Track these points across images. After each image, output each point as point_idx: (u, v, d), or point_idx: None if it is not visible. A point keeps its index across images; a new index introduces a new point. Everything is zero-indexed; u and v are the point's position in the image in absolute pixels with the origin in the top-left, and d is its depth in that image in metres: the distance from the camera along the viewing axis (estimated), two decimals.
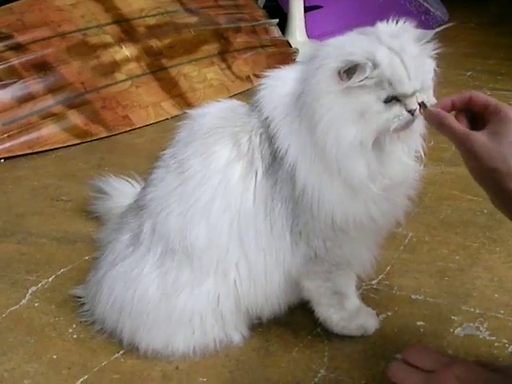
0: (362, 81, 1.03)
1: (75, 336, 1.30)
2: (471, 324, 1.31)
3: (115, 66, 2.57)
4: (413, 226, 1.66)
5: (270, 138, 1.15)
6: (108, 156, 2.23)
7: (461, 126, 0.97)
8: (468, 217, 1.74)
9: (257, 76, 2.81)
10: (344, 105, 1.05)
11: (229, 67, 2.93)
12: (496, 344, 1.25)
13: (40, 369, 1.22)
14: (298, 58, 1.05)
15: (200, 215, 1.16)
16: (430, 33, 1.10)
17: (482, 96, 1.00)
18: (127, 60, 2.62)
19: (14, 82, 2.29)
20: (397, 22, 1.11)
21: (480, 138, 0.93)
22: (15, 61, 2.32)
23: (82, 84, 2.45)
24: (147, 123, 2.54)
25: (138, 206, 1.27)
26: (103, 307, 1.26)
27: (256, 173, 1.16)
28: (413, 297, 1.40)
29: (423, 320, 1.32)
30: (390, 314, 1.35)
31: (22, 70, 2.32)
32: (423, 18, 4.14)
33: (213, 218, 1.16)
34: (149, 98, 2.60)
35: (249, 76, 2.96)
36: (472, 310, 1.35)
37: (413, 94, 1.06)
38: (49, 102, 2.34)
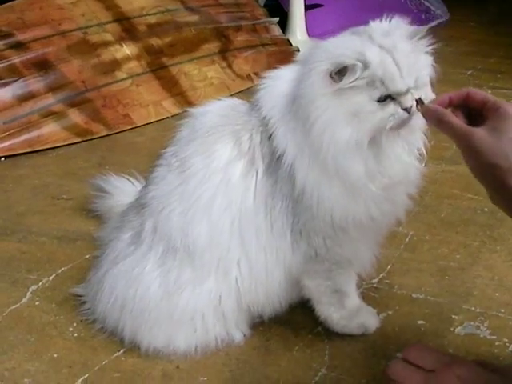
0: (353, 82, 1.04)
1: (76, 335, 1.30)
2: (472, 323, 1.31)
3: (116, 64, 2.57)
4: (413, 225, 1.65)
5: (269, 137, 1.15)
6: (109, 154, 2.23)
7: (461, 123, 0.96)
8: (469, 216, 1.74)
9: (257, 75, 2.82)
10: (338, 106, 1.05)
11: (229, 66, 2.93)
12: (496, 343, 1.25)
13: (40, 368, 1.22)
14: (296, 57, 1.05)
15: (201, 214, 1.16)
16: (423, 29, 1.10)
17: (480, 92, 0.99)
18: (128, 58, 2.61)
19: (15, 81, 2.29)
20: (390, 20, 1.11)
21: (481, 134, 0.93)
22: (16, 59, 2.31)
23: (83, 82, 2.45)
24: (148, 122, 2.54)
25: (139, 205, 1.27)
26: (104, 306, 1.26)
27: (257, 171, 1.16)
28: (413, 296, 1.40)
29: (424, 319, 1.32)
30: (390, 312, 1.35)
31: (23, 68, 2.32)
32: (423, 16, 4.14)
33: (214, 217, 1.16)
34: (149, 97, 2.60)
35: (249, 75, 2.96)
36: (473, 308, 1.35)
37: (407, 92, 1.06)
38: (49, 101, 2.34)
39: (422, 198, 1.75)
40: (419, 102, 1.05)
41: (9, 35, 2.34)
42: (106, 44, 2.58)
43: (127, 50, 2.63)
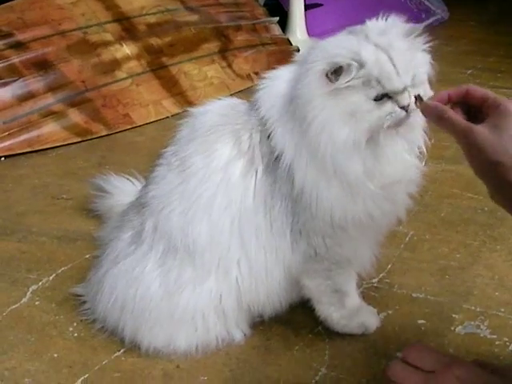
0: (348, 81, 1.04)
1: (76, 334, 1.30)
2: (472, 322, 1.31)
3: (116, 64, 2.57)
4: (413, 225, 1.65)
5: (268, 137, 1.15)
6: (108, 154, 2.23)
7: (461, 120, 0.96)
8: (469, 215, 1.74)
9: (257, 74, 2.82)
10: (334, 106, 1.06)
11: (229, 65, 2.93)
12: (497, 342, 1.25)
13: (41, 367, 1.22)
14: (295, 57, 1.05)
15: (201, 213, 1.17)
16: (419, 26, 1.10)
17: (480, 89, 0.99)
18: (128, 58, 2.61)
19: (15, 81, 2.29)
20: (386, 19, 1.11)
21: (482, 131, 0.93)
22: (16, 59, 2.31)
23: (83, 82, 2.45)
24: (148, 121, 2.54)
25: (139, 204, 1.27)
26: (104, 305, 1.26)
27: (256, 171, 1.16)
28: (413, 295, 1.40)
29: (424, 318, 1.32)
30: (390, 312, 1.35)
31: (23, 68, 2.32)
32: (424, 15, 4.14)
33: (214, 216, 1.16)
34: (149, 96, 2.60)
35: (249, 74, 2.96)
36: (473, 308, 1.35)
37: (404, 90, 1.06)
38: (49, 101, 2.34)
39: (422, 197, 1.75)
40: (418, 98, 1.05)
41: (9, 35, 2.34)
42: (105, 44, 2.58)
43: (127, 49, 2.63)
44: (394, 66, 1.04)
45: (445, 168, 2.02)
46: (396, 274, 1.48)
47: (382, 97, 1.05)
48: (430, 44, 1.12)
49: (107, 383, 1.18)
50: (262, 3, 3.47)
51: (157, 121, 2.55)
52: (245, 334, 1.27)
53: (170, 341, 1.22)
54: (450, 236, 1.64)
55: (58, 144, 2.29)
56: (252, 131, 1.17)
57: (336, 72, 1.03)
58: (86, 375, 1.20)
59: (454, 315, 1.33)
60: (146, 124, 2.53)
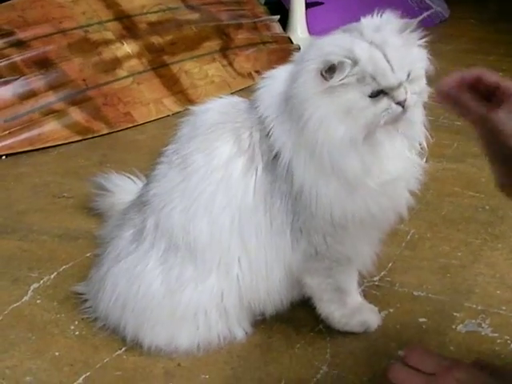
0: (343, 79, 1.04)
1: (77, 333, 1.30)
2: (473, 320, 1.31)
3: (117, 62, 2.57)
4: (415, 223, 1.65)
5: (267, 135, 1.15)
6: (109, 153, 2.23)
7: (478, 104, 0.94)
8: (470, 213, 1.74)
9: (258, 72, 2.81)
10: (330, 104, 1.06)
11: (230, 64, 2.93)
12: (498, 341, 1.25)
13: (42, 366, 1.22)
14: (294, 56, 1.05)
15: (203, 211, 1.17)
16: (414, 22, 1.09)
17: (493, 75, 0.96)
18: (129, 57, 2.61)
19: (16, 79, 2.29)
20: (381, 15, 1.11)
21: (501, 116, 0.91)
22: (17, 57, 2.31)
23: (84, 81, 2.45)
24: (149, 120, 2.54)
25: (140, 202, 1.27)
26: (106, 304, 1.26)
27: (256, 169, 1.16)
28: (415, 293, 1.40)
29: (425, 316, 1.32)
30: (391, 310, 1.35)
31: (24, 66, 2.32)
32: (425, 14, 4.13)
33: (215, 214, 1.16)
34: (150, 95, 2.60)
35: (250, 73, 2.96)
36: (474, 306, 1.35)
37: (399, 86, 1.06)
38: (50, 99, 2.34)
39: (423, 195, 1.74)
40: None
41: (10, 33, 2.34)
42: (106, 42, 2.58)
43: (128, 48, 2.63)
44: (389, 62, 1.04)
45: (446, 166, 2.02)
46: (397, 272, 1.48)
47: (378, 93, 1.05)
48: (426, 39, 1.12)
49: (108, 381, 1.18)
50: (263, 1, 3.47)
51: (158, 119, 2.55)
52: (246, 332, 1.27)
53: (172, 339, 1.22)
54: (451, 234, 1.64)
55: (59, 142, 2.29)
56: (252, 129, 1.17)
57: (330, 70, 1.04)
58: (88, 373, 1.20)
59: (455, 313, 1.33)
60: (147, 122, 2.53)
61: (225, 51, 2.95)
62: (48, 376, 1.19)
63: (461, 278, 1.45)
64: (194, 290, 1.19)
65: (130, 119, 2.49)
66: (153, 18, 2.77)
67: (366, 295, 1.35)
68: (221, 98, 1.26)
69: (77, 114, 2.37)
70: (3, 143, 2.19)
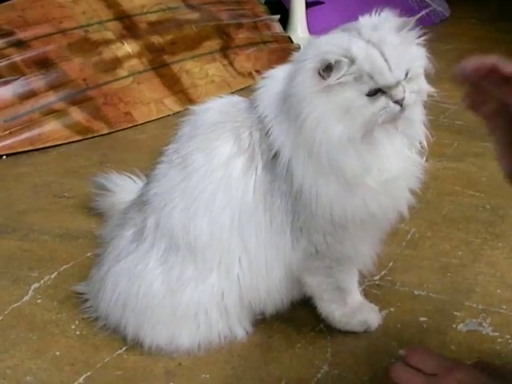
0: (340, 78, 1.04)
1: (78, 332, 1.30)
2: (474, 320, 1.31)
3: (117, 62, 2.57)
4: (415, 222, 1.65)
5: (266, 134, 1.15)
6: (110, 152, 2.23)
7: (500, 91, 0.90)
8: (470, 212, 1.74)
9: (258, 72, 2.81)
10: (328, 102, 1.06)
11: (230, 63, 2.93)
12: (499, 340, 1.25)
13: (43, 365, 1.22)
14: (293, 56, 1.05)
15: (203, 210, 1.17)
16: (412, 20, 1.09)
17: (508, 65, 0.94)
18: (129, 56, 2.61)
19: (16, 79, 2.29)
20: (379, 14, 1.11)
21: None
22: (17, 57, 2.31)
23: (84, 80, 2.44)
24: (149, 119, 2.54)
25: (141, 202, 1.27)
26: (107, 303, 1.26)
27: (256, 168, 1.16)
28: (415, 292, 1.40)
29: (426, 316, 1.32)
30: (392, 309, 1.35)
31: (24, 66, 2.32)
32: (425, 13, 4.13)
33: (215, 213, 1.16)
34: (151, 95, 2.59)
35: (250, 72, 2.96)
36: (475, 305, 1.35)
37: (397, 85, 1.06)
38: (50, 99, 2.34)
39: (424, 194, 1.74)
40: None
41: (10, 33, 2.34)
42: (107, 42, 2.58)
43: (128, 47, 2.63)
44: (386, 60, 1.04)
45: (446, 165, 2.02)
46: (398, 271, 1.48)
47: (376, 92, 1.05)
48: (426, 38, 1.12)
49: (109, 381, 1.18)
50: (263, 1, 3.47)
51: (158, 119, 2.55)
52: (247, 332, 1.27)
53: (173, 338, 1.22)
54: (451, 233, 1.64)
55: (60, 142, 2.29)
56: (252, 129, 1.17)
57: (327, 69, 1.04)
58: (88, 373, 1.20)
59: (455, 313, 1.33)
60: (148, 122, 2.52)
61: (225, 51, 2.95)
62: (49, 376, 1.19)
63: (461, 277, 1.45)
64: (195, 290, 1.19)
65: (130, 119, 2.49)
66: (153, 17, 2.77)
67: (366, 294, 1.35)
68: (221, 97, 1.26)
69: (77, 114, 2.37)
70: (3, 143, 2.19)
